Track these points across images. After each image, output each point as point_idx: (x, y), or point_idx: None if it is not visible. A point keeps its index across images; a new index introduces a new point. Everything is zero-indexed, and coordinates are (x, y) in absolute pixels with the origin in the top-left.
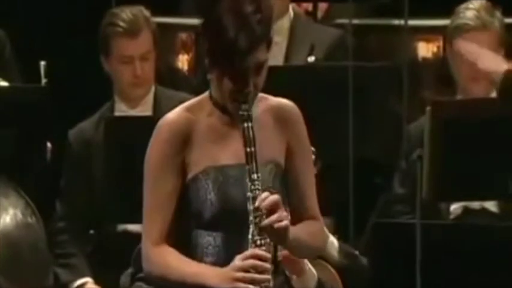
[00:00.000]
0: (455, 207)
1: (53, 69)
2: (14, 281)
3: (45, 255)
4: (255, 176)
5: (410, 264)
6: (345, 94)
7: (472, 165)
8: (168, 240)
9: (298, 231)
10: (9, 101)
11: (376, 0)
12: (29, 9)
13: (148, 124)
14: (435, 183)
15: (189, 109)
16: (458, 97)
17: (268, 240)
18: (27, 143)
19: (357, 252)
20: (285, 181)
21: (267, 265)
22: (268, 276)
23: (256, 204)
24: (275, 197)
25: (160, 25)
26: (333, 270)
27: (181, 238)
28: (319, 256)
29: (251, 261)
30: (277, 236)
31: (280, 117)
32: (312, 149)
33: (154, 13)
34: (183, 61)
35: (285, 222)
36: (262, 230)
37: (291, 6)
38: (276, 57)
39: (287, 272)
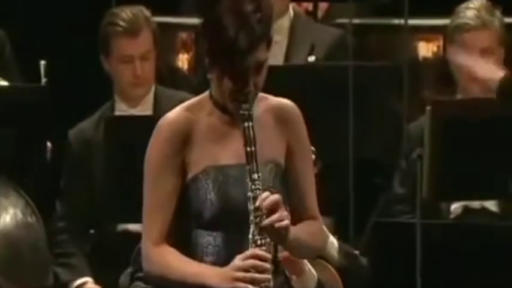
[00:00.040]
0: (455, 207)
1: (53, 69)
2: (14, 280)
3: (45, 254)
4: (255, 175)
5: (410, 264)
6: (345, 94)
7: (472, 165)
8: (168, 240)
9: (298, 231)
10: (9, 101)
11: (376, 0)
12: (29, 9)
13: (148, 124)
14: (435, 183)
15: (189, 109)
16: (458, 97)
17: (268, 240)
18: (27, 143)
19: (357, 252)
20: (285, 181)
21: (267, 265)
22: (269, 276)
23: (257, 203)
24: (276, 196)
25: (161, 25)
26: (333, 270)
27: (181, 238)
28: (319, 256)
29: (251, 261)
30: (278, 236)
31: (280, 117)
32: (312, 149)
33: (155, 13)
34: (183, 60)
35: (286, 222)
36: (262, 230)
37: (291, 6)
38: (276, 56)
39: (287, 272)
